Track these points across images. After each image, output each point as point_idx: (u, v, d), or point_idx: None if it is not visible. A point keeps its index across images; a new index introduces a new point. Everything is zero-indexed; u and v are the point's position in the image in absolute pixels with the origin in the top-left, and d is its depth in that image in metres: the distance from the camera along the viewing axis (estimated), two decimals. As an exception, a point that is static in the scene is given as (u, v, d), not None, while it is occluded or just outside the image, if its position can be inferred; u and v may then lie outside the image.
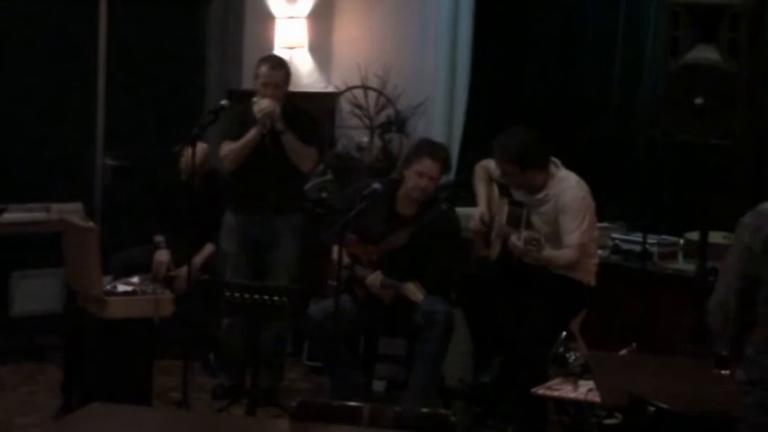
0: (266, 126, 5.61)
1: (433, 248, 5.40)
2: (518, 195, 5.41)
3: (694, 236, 5.57)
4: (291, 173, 5.76)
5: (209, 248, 6.16)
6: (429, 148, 5.58)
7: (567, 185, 5.27)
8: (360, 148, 7.30)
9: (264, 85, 5.67)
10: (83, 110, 6.92)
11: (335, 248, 5.29)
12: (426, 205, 5.50)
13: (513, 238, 5.18)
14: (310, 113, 5.97)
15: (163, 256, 6.24)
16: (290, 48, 7.55)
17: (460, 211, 6.06)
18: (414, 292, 5.27)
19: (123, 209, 6.83)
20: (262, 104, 5.59)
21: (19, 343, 6.44)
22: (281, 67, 5.79)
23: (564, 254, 5.18)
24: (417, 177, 5.43)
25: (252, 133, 5.66)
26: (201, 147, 5.88)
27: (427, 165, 5.43)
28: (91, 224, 5.52)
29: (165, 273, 6.18)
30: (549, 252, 5.13)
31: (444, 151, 5.64)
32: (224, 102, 5.65)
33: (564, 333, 4.86)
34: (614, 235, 5.96)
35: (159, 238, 6.30)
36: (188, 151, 5.60)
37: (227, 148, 5.68)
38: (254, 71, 5.80)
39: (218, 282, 5.50)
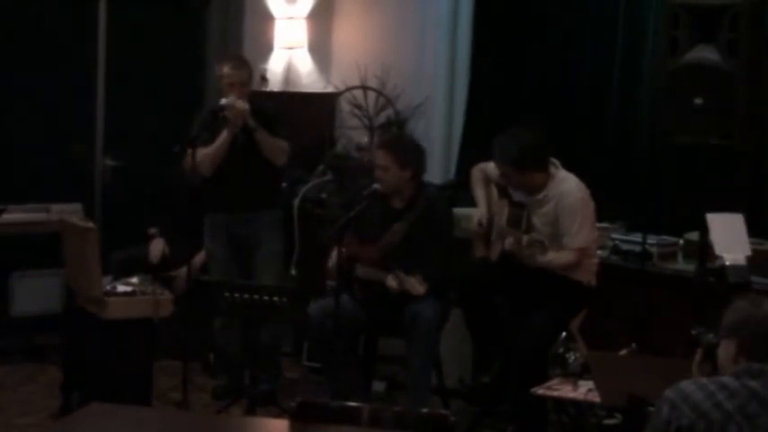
0: (238, 125, 5.63)
1: (430, 234, 5.42)
2: (517, 196, 5.41)
3: (694, 236, 5.57)
4: (266, 169, 5.78)
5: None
6: (379, 140, 5.80)
7: (568, 186, 5.27)
8: (359, 148, 7.30)
9: (231, 85, 5.71)
10: (82, 110, 6.92)
11: (334, 252, 5.31)
12: (415, 196, 5.52)
13: (508, 243, 5.17)
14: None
15: (158, 243, 6.28)
16: (290, 48, 7.56)
17: (461, 211, 6.06)
18: (413, 285, 5.25)
19: (123, 209, 6.83)
20: (235, 104, 5.60)
21: (19, 343, 6.44)
22: (244, 65, 5.84)
23: (564, 256, 5.18)
24: (377, 171, 5.49)
25: (225, 135, 5.68)
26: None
27: (377, 156, 5.54)
28: (90, 224, 5.51)
29: (161, 257, 6.20)
30: (548, 255, 5.13)
31: (392, 139, 5.73)
32: (224, 101, 5.66)
33: (564, 333, 4.86)
34: (614, 235, 5.95)
35: (153, 230, 6.34)
36: (188, 151, 5.63)
37: (202, 153, 5.68)
38: (216, 73, 5.84)
39: (217, 282, 5.51)
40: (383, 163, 5.47)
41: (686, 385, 2.94)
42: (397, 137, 6.23)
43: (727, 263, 5.09)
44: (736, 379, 2.91)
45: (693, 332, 3.30)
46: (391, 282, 5.31)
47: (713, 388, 2.91)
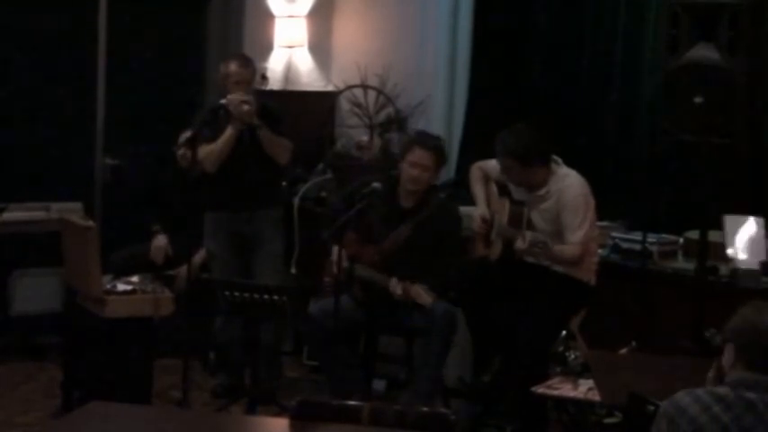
0: (245, 121, 5.62)
1: (436, 241, 5.39)
2: (517, 193, 5.41)
3: (694, 235, 5.58)
4: (268, 167, 5.78)
5: (208, 247, 6.17)
6: (419, 138, 5.67)
7: (569, 182, 5.27)
8: (359, 147, 7.30)
9: (237, 84, 5.70)
10: (82, 109, 6.92)
11: (335, 249, 5.30)
12: (425, 197, 5.50)
13: (519, 243, 5.14)
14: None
15: (161, 241, 6.28)
16: (290, 47, 7.56)
17: (461, 209, 6.06)
18: (421, 295, 5.25)
19: (123, 208, 6.83)
20: (243, 101, 5.60)
21: (19, 342, 6.43)
22: (249, 64, 5.85)
23: (569, 249, 5.17)
24: (410, 168, 5.44)
25: (229, 132, 5.67)
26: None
27: (418, 154, 5.44)
28: (90, 223, 5.52)
29: (164, 257, 6.19)
30: (554, 251, 5.12)
31: (436, 140, 5.64)
32: (224, 101, 5.65)
33: (564, 332, 4.86)
34: (614, 234, 5.95)
35: (156, 227, 6.33)
36: (187, 150, 5.62)
37: (205, 150, 5.68)
38: (222, 71, 5.81)
39: (218, 281, 5.51)
40: (427, 163, 5.43)
41: (681, 398, 2.90)
42: (440, 143, 6.04)
43: (740, 267, 5.10)
44: (732, 390, 2.88)
45: (707, 334, 3.24)
46: (395, 288, 5.30)
47: (709, 400, 2.87)
